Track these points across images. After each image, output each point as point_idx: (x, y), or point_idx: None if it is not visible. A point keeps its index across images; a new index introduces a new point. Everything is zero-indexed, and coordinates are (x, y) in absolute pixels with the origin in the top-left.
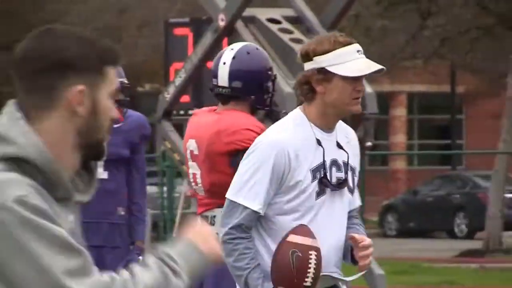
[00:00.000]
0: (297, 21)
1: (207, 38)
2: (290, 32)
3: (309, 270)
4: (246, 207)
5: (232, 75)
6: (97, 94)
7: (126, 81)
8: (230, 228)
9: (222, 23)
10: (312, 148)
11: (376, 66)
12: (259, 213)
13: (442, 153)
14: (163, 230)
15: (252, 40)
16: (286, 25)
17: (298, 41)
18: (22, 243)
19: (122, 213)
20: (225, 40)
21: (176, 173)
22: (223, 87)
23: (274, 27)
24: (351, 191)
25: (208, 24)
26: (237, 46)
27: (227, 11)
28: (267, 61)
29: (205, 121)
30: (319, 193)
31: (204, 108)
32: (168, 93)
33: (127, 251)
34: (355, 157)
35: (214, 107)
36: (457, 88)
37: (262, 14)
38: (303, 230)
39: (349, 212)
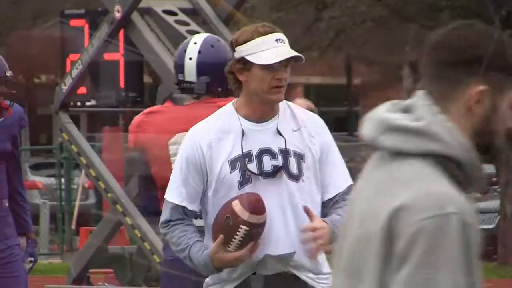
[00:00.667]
0: (193, 13)
1: (103, 30)
2: (187, 24)
3: (233, 240)
4: (169, 202)
5: (200, 70)
6: (499, 98)
7: (10, 73)
8: (161, 224)
9: (118, 15)
10: (233, 140)
11: (289, 54)
12: (184, 206)
13: (340, 144)
14: (61, 221)
15: (148, 32)
16: (182, 17)
17: (194, 33)
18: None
19: (7, 204)
20: (121, 32)
21: (74, 165)
22: (191, 82)
23: (170, 19)
24: (295, 177)
25: (104, 16)
26: (199, 39)
27: (123, 2)
28: (229, 52)
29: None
30: (242, 183)
31: (162, 106)
32: (65, 85)
33: (17, 239)
34: (313, 144)
35: (167, 105)
36: (353, 80)
37: (158, 5)
38: (249, 200)
39: (332, 198)
